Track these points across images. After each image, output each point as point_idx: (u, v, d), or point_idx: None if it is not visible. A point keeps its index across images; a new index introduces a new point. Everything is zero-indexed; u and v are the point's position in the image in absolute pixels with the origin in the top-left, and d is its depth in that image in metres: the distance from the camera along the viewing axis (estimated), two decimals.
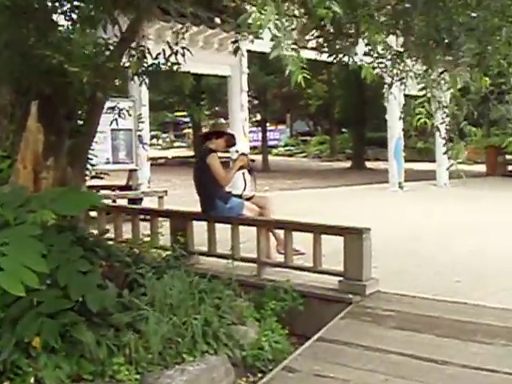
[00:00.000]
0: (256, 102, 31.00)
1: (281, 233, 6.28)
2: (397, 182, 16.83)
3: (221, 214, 6.52)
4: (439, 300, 5.65)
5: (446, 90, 5.00)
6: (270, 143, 42.99)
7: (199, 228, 6.90)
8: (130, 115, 9.54)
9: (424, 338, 4.73)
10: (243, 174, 6.93)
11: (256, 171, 6.79)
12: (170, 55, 5.77)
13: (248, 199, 6.69)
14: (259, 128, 35.29)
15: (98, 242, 5.39)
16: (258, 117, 35.79)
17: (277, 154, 41.79)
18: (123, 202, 11.22)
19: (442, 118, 5.03)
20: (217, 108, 33.06)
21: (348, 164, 32.14)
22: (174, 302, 4.72)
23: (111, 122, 6.33)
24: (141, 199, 10.70)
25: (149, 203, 10.74)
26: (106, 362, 4.09)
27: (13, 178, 4.85)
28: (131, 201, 10.98)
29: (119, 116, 6.38)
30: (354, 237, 5.54)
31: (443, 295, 5.78)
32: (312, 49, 5.89)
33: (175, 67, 5.78)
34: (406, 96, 11.54)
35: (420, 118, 4.64)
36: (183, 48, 5.84)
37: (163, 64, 5.84)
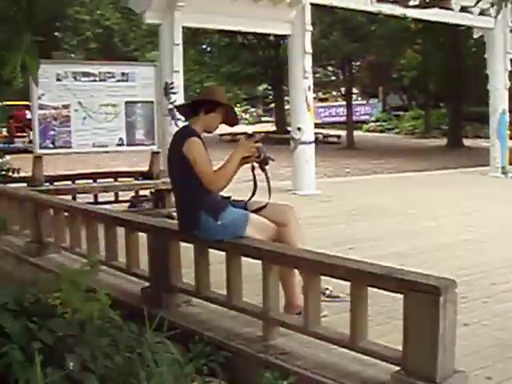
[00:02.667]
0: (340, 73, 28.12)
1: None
2: (499, 166, 13.76)
3: (207, 236, 4.05)
4: None
5: None
6: (361, 118, 40.35)
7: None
8: None
9: None
10: (252, 169, 4.31)
11: (271, 161, 4.18)
12: None
13: (257, 210, 4.15)
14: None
15: None
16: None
17: (367, 130, 39.50)
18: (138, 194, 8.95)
19: None
20: None
21: (443, 142, 28.82)
22: None
23: None
24: (162, 193, 8.36)
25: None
26: None
27: None
28: (152, 194, 8.70)
29: None
30: (423, 298, 2.95)
31: None
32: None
33: None
34: None
35: None
36: None
37: None
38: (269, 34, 24.21)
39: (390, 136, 36.61)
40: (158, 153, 8.71)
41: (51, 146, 8.02)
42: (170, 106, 9.51)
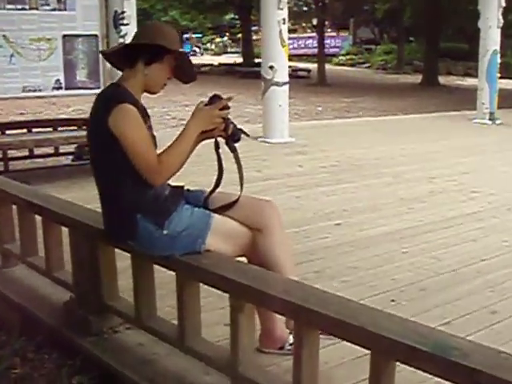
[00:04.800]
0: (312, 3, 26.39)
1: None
2: (487, 111, 12.56)
3: (149, 250, 2.75)
4: None
5: None
6: (331, 51, 38.83)
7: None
8: None
9: None
10: (216, 146, 2.95)
11: (244, 136, 2.84)
12: None
13: (223, 208, 2.84)
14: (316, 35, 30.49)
15: None
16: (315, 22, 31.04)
17: (337, 64, 38.10)
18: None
19: None
20: None
21: (417, 78, 27.51)
22: None
23: None
24: None
25: None
26: None
27: None
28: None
29: None
30: None
31: None
32: None
33: None
34: None
35: None
36: None
37: None
38: None
39: (360, 70, 35.16)
40: None
41: None
42: (121, 40, 8.03)
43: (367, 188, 6.70)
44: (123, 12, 7.92)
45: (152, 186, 2.66)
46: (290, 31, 40.19)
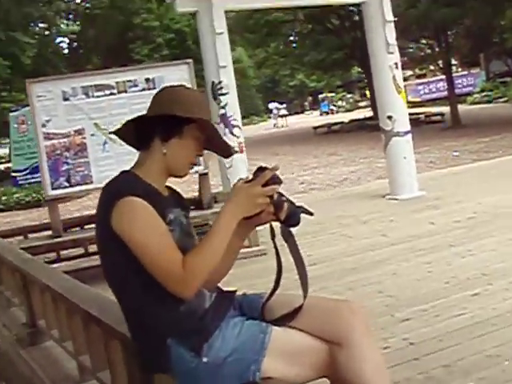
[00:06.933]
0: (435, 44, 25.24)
1: None
2: None
3: (187, 382, 2.02)
4: None
5: None
6: (464, 90, 37.21)
7: None
8: None
9: None
10: (272, 235, 2.15)
11: (306, 215, 2.14)
12: None
13: (286, 318, 2.08)
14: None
15: None
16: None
17: (473, 103, 36.28)
18: None
19: None
20: None
21: None
22: None
23: None
24: None
25: None
26: None
27: None
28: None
29: None
30: None
31: None
32: None
33: None
34: None
35: None
36: None
37: None
38: (342, 6, 22.03)
39: (498, 106, 33.14)
40: (206, 174, 6.82)
41: (66, 184, 6.27)
42: (222, 111, 7.63)
43: (511, 243, 5.63)
44: (220, 82, 7.57)
45: (180, 300, 1.98)
46: (418, 77, 39.23)
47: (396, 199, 8.74)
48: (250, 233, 2.18)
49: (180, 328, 2.00)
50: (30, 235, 6.83)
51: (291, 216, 2.08)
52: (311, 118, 48.25)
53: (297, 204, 2.12)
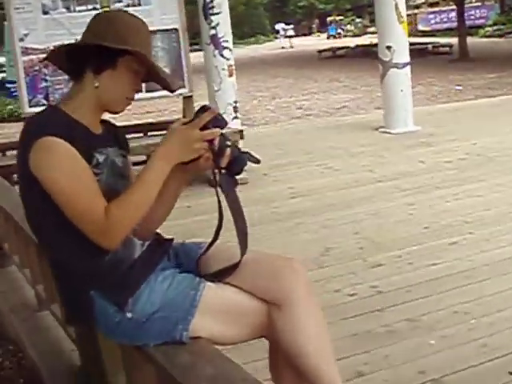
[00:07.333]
0: None
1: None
2: None
3: (110, 337, 1.91)
4: None
5: None
6: (476, 23, 36.27)
7: None
8: None
9: None
10: (214, 181, 2.00)
11: (252, 162, 2.06)
12: None
13: (222, 273, 1.90)
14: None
15: None
16: None
17: (484, 36, 35.36)
18: None
19: None
20: None
21: None
22: None
23: None
24: None
25: None
26: None
27: None
28: None
29: None
30: None
31: None
32: None
33: None
34: None
35: None
36: None
37: None
38: None
39: (509, 41, 32.30)
40: (190, 97, 6.58)
41: (44, 102, 6.03)
42: (213, 32, 7.31)
43: (500, 189, 5.44)
44: (212, 1, 7.20)
45: (103, 252, 1.80)
46: (431, 5, 38.18)
47: (389, 133, 8.50)
48: (190, 179, 1.98)
49: (104, 280, 1.82)
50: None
51: (234, 163, 1.87)
52: (318, 41, 47.32)
53: (242, 150, 1.92)
